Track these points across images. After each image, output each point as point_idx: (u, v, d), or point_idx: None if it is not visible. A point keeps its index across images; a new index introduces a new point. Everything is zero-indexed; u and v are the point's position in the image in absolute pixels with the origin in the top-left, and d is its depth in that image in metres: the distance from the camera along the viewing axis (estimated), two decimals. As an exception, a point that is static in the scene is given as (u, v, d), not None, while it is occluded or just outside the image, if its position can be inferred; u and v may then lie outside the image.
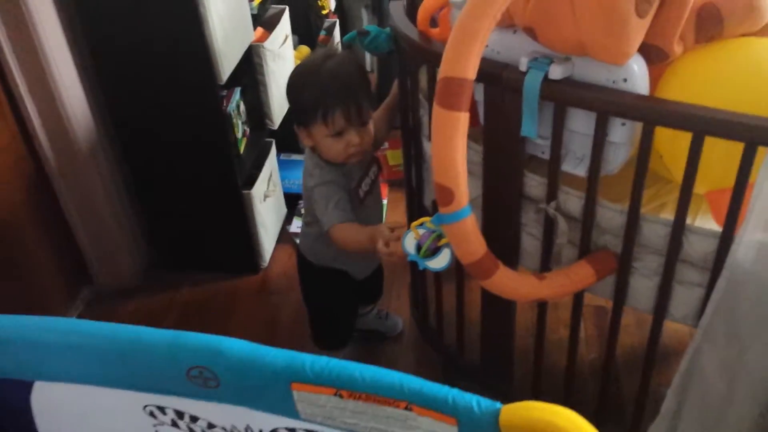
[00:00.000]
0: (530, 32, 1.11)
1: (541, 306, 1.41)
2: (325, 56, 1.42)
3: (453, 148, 1.03)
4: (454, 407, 0.70)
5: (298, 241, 2.17)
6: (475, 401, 0.70)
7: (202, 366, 0.77)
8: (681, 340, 1.82)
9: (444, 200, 1.07)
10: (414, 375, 0.71)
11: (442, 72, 1.02)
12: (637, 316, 1.90)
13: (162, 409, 0.87)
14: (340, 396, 0.74)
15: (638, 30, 1.00)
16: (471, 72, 1.01)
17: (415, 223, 1.18)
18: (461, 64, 1.00)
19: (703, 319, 1.16)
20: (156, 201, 2.07)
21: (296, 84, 1.40)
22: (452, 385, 1.85)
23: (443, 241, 1.17)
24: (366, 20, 3.10)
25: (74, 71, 1.80)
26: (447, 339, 1.73)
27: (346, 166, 1.43)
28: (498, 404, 0.69)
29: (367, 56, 2.94)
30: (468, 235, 1.11)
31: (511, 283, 1.20)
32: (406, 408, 0.73)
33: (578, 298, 1.32)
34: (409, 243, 1.19)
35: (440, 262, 1.18)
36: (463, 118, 1.02)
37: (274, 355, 0.75)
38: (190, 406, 0.85)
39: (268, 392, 0.77)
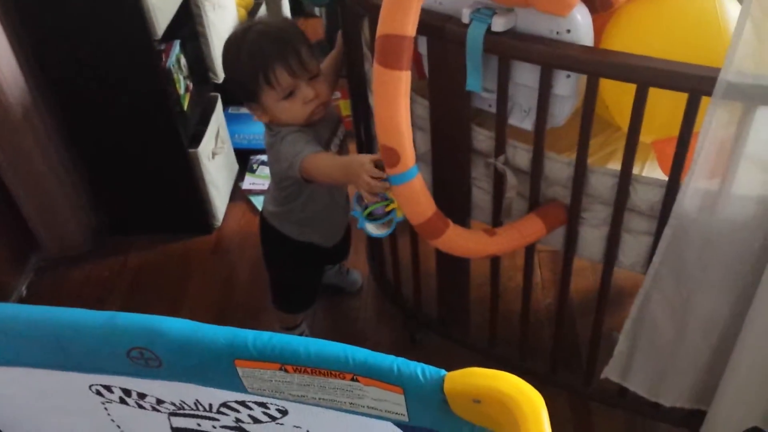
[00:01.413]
0: None
1: (494, 258, 1.42)
2: (249, 22, 1.36)
3: (396, 109, 1.01)
4: (399, 376, 0.70)
5: (260, 207, 2.14)
6: (419, 370, 0.70)
7: (141, 347, 0.75)
8: (636, 283, 1.84)
9: (390, 161, 1.06)
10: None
11: (380, 30, 0.98)
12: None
13: (108, 388, 0.86)
14: (285, 370, 0.73)
15: None
16: (410, 29, 0.97)
17: None
18: (399, 20, 0.96)
19: (651, 267, 1.18)
20: (100, 164, 2.00)
21: (228, 57, 1.33)
22: (413, 335, 1.87)
23: (392, 206, 1.15)
24: (312, -36, 2.99)
25: (2, 34, 1.70)
26: (405, 292, 1.73)
27: (312, 128, 1.35)
28: (442, 372, 0.69)
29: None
30: (416, 196, 1.10)
31: (462, 241, 1.20)
32: (352, 379, 0.72)
33: (530, 249, 1.33)
34: (358, 200, 1.18)
35: (378, 229, 1.18)
36: (405, 77, 0.99)
37: (215, 333, 0.74)
38: (136, 384, 0.83)
39: (213, 370, 0.76)
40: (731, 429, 1.28)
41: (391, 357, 0.71)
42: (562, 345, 1.51)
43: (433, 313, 1.67)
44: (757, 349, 1.13)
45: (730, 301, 1.14)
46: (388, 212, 1.17)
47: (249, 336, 0.74)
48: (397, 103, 1.00)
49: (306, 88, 1.29)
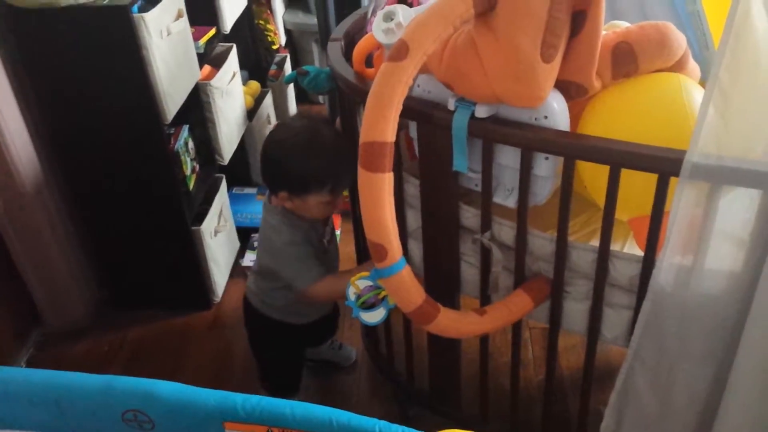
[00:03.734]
0: (448, 86, 1.17)
1: (483, 336, 1.45)
2: (313, 127, 1.38)
3: (381, 208, 1.07)
4: (381, 439, 0.73)
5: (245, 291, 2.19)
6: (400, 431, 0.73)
7: (136, 409, 0.78)
8: (625, 359, 1.87)
9: (378, 256, 1.11)
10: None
11: (363, 137, 1.06)
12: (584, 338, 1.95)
13: (102, 452, 0.88)
14: (272, 433, 0.77)
15: (547, 74, 1.06)
16: (390, 135, 1.05)
17: (354, 278, 1.23)
18: (380, 128, 1.05)
19: (633, 340, 1.21)
20: (105, 240, 2.06)
21: (296, 153, 1.35)
22: (405, 411, 1.87)
23: (383, 294, 1.21)
24: (316, 54, 3.16)
25: (18, 114, 1.80)
26: (397, 367, 1.75)
27: (311, 221, 1.45)
28: (421, 434, 0.73)
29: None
30: (405, 286, 1.15)
31: (453, 324, 1.24)
32: (336, 442, 0.75)
33: (517, 326, 1.37)
34: (351, 291, 1.24)
35: (372, 317, 1.24)
36: (388, 178, 1.07)
37: (207, 396, 0.78)
38: (128, 448, 0.86)
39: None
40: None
41: (374, 420, 0.75)
42: (555, 420, 1.52)
43: (426, 388, 1.69)
44: (737, 422, 1.14)
45: (710, 372, 1.16)
46: (381, 300, 1.22)
47: (238, 399, 0.78)
48: (381, 202, 1.07)
49: (341, 197, 1.41)
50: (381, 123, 1.04)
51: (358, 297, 1.23)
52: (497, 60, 1.06)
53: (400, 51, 1.03)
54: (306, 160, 1.35)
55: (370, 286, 1.23)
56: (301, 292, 1.42)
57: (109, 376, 0.79)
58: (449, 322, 1.23)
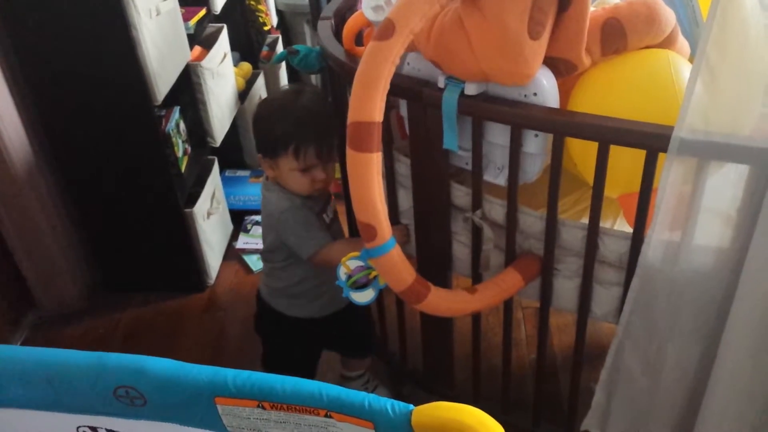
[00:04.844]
0: (436, 65, 1.16)
1: (476, 315, 1.46)
2: (296, 91, 1.41)
3: (369, 188, 1.07)
4: (371, 412, 0.74)
5: (253, 267, 2.18)
6: (389, 405, 0.74)
7: (127, 385, 0.79)
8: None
9: (368, 236, 1.12)
10: None
11: (350, 117, 1.06)
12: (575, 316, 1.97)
13: (94, 429, 0.89)
14: (263, 407, 0.77)
15: (535, 52, 1.06)
16: (377, 115, 1.05)
17: (344, 258, 1.23)
18: (367, 108, 1.04)
19: (622, 317, 1.22)
20: (98, 222, 2.06)
21: (267, 116, 1.39)
22: (398, 390, 1.88)
23: (373, 274, 1.22)
24: (308, 35, 3.14)
25: (8, 95, 1.79)
26: (391, 347, 1.77)
27: (307, 198, 1.42)
28: (410, 406, 0.73)
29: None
30: (395, 265, 1.16)
31: (444, 302, 1.25)
32: (326, 415, 0.76)
33: (508, 305, 1.38)
34: (341, 271, 1.24)
35: (362, 297, 1.24)
36: (376, 158, 1.07)
37: (197, 371, 0.78)
38: (121, 425, 0.86)
39: (194, 408, 0.80)
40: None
41: (363, 393, 0.75)
42: (547, 399, 1.54)
43: (419, 368, 1.70)
44: (725, 397, 1.16)
45: (699, 348, 1.18)
46: (371, 280, 1.23)
47: (229, 374, 0.78)
48: (370, 182, 1.07)
49: (320, 171, 1.37)
50: (368, 103, 1.04)
51: (349, 277, 1.24)
52: (484, 38, 1.05)
53: (386, 30, 1.02)
54: (273, 121, 1.36)
55: (361, 266, 1.23)
56: (310, 259, 1.38)
57: (100, 353, 0.79)
58: (440, 301, 1.24)
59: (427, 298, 1.21)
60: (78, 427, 0.89)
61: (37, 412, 0.87)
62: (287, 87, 1.64)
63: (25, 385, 0.84)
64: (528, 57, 1.06)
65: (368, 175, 1.07)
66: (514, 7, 1.03)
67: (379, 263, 1.16)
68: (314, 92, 1.43)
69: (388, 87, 1.05)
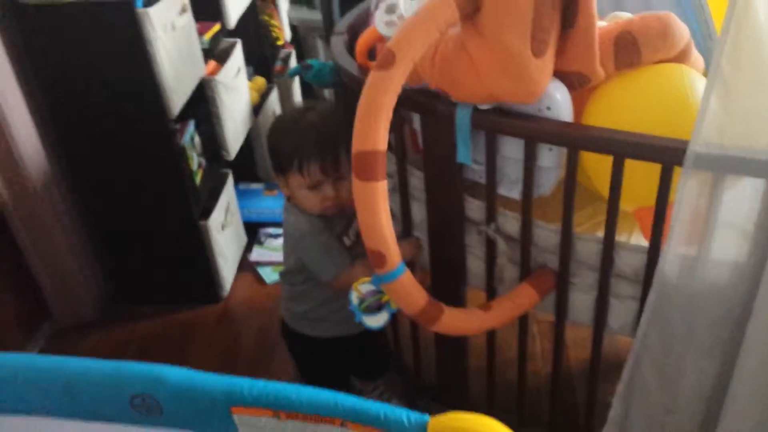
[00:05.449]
0: (443, 93, 1.17)
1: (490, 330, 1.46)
2: (306, 108, 1.42)
3: (377, 216, 1.08)
4: (386, 421, 0.74)
5: (267, 279, 2.18)
6: (404, 415, 0.74)
7: (144, 394, 0.79)
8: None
9: (377, 263, 1.12)
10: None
11: (355, 147, 1.06)
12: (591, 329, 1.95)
13: (111, 438, 0.89)
14: (279, 417, 0.77)
15: (540, 69, 1.07)
16: (381, 144, 1.06)
17: (356, 282, 1.24)
18: (371, 138, 1.05)
19: (639, 331, 1.21)
20: (113, 235, 2.08)
21: (276, 132, 1.41)
22: (413, 403, 1.87)
23: (385, 298, 1.23)
24: (321, 49, 3.17)
25: (25, 110, 1.82)
26: (405, 360, 1.76)
27: (328, 217, 1.41)
28: (426, 416, 0.74)
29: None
30: (406, 290, 1.16)
31: (458, 322, 1.25)
32: (341, 425, 0.76)
33: (524, 319, 1.37)
34: (354, 296, 1.24)
35: (375, 321, 1.24)
36: (381, 186, 1.07)
37: (214, 380, 0.79)
38: (137, 433, 0.87)
39: (210, 417, 0.80)
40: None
41: (378, 403, 0.75)
42: (563, 412, 1.53)
43: (433, 382, 1.70)
44: (743, 411, 1.15)
45: (716, 362, 1.17)
46: (384, 303, 1.24)
47: (245, 384, 0.79)
48: (377, 211, 1.08)
49: (329, 188, 1.36)
50: (371, 133, 1.05)
51: (362, 301, 1.24)
52: (488, 60, 1.06)
53: (387, 59, 1.03)
54: (280, 138, 1.38)
55: (373, 290, 1.23)
56: (330, 283, 1.38)
57: (117, 362, 0.80)
58: (454, 321, 1.24)
59: (441, 319, 1.21)
60: (94, 436, 0.89)
61: (55, 419, 0.88)
62: (300, 104, 1.64)
63: (43, 392, 0.84)
64: (533, 75, 1.06)
65: (374, 203, 1.07)
66: (515, 28, 1.03)
67: (390, 289, 1.17)
68: (324, 108, 1.44)
69: (390, 116, 1.06)
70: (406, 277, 1.15)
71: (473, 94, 1.13)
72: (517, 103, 1.12)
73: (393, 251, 1.11)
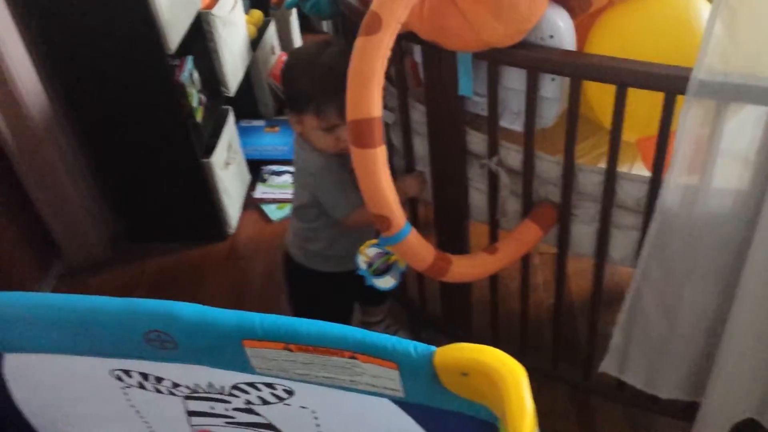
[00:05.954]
0: (435, 44, 1.15)
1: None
2: (323, 45, 1.38)
3: (378, 181, 1.08)
4: (394, 353, 0.76)
5: (272, 216, 2.19)
6: (412, 346, 0.76)
7: (158, 330, 0.82)
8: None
9: (383, 226, 1.13)
10: None
11: (349, 116, 1.05)
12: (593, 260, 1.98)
13: (127, 372, 0.92)
14: (290, 349, 0.80)
15: (529, 3, 1.04)
16: (375, 110, 1.04)
17: (363, 246, 1.24)
18: (365, 105, 1.04)
19: (640, 261, 1.23)
20: (118, 174, 2.09)
21: (291, 71, 1.37)
22: (418, 334, 1.91)
23: (393, 258, 1.23)
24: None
25: (24, 53, 1.80)
26: (410, 292, 1.80)
27: (340, 156, 1.39)
28: (432, 348, 0.76)
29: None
30: (413, 248, 1.17)
31: (468, 270, 1.27)
32: (351, 357, 0.79)
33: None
34: (361, 260, 1.25)
35: (385, 283, 1.26)
36: (380, 152, 1.07)
37: (226, 315, 0.81)
38: (153, 368, 0.90)
39: (223, 350, 0.83)
40: (724, 420, 1.31)
41: (386, 335, 0.78)
42: (565, 342, 1.56)
43: (438, 313, 1.73)
44: (743, 339, 1.17)
45: (717, 292, 1.19)
46: (392, 264, 1.25)
47: (256, 318, 0.81)
48: (378, 177, 1.07)
49: (344, 131, 1.29)
50: (365, 100, 1.03)
51: (369, 265, 1.25)
52: (478, 7, 1.04)
53: (373, 23, 1.00)
54: (296, 75, 1.35)
55: (380, 252, 1.24)
56: (343, 220, 1.38)
57: (131, 299, 0.82)
58: (463, 270, 1.26)
59: (450, 270, 1.23)
60: (111, 371, 0.92)
61: (71, 356, 0.90)
62: (318, 40, 1.57)
63: (59, 330, 0.87)
64: (524, 11, 1.04)
65: (375, 169, 1.07)
66: None
67: (398, 249, 1.18)
68: (340, 47, 1.38)
69: (382, 80, 1.04)
70: (413, 236, 1.16)
71: (467, 43, 1.11)
72: (512, 44, 1.10)
73: (397, 214, 1.12)
